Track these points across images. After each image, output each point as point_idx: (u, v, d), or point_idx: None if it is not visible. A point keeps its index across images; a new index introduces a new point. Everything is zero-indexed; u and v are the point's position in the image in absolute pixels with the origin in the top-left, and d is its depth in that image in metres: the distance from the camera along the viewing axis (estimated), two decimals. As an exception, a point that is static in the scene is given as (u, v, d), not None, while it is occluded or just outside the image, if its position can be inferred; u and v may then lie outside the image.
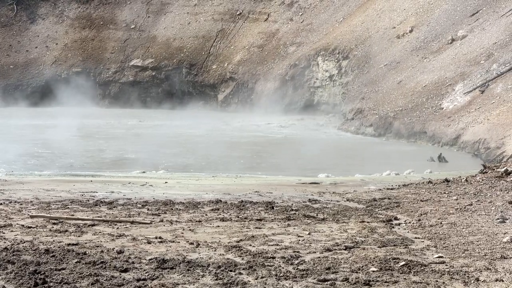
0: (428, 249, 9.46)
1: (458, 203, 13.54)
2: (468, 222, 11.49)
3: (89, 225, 10.81)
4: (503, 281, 7.82)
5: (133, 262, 8.41)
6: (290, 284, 7.69)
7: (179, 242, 9.69)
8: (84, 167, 22.67)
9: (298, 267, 8.36)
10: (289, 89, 42.91)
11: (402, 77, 34.92)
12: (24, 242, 9.35)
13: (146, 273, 7.96)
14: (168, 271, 8.07)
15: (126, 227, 10.77)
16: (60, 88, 49.10)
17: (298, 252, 9.21)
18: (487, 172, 17.99)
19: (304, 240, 10.03)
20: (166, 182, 17.15)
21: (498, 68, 30.48)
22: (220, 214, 12.28)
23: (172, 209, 12.73)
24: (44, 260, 8.37)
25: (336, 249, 9.41)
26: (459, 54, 33.57)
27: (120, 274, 7.91)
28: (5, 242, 9.33)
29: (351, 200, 14.50)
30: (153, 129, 36.69)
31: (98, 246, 9.24)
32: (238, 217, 11.96)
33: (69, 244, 9.28)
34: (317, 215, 12.33)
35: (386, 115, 32.63)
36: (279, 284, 7.67)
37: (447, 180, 17.00)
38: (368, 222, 11.57)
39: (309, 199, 14.39)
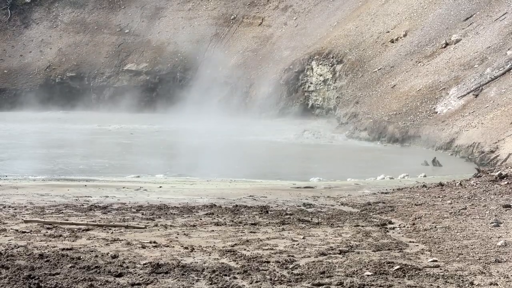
0: (422, 253, 9.47)
1: (452, 207, 13.56)
2: (462, 226, 11.50)
3: (83, 230, 10.78)
4: (497, 285, 7.83)
5: (127, 267, 8.40)
6: (284, 288, 7.69)
7: (173, 247, 9.68)
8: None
9: (293, 272, 8.36)
10: (284, 94, 42.92)
11: (396, 81, 34.97)
12: (18, 247, 9.32)
13: (140, 277, 7.94)
14: (163, 276, 8.06)
15: (121, 232, 10.75)
16: (54, 93, 49.08)
17: (292, 256, 9.21)
18: (481, 176, 18.01)
19: (298, 244, 10.02)
20: (160, 187, 17.14)
21: (492, 72, 30.54)
22: (214, 218, 12.27)
23: (166, 213, 12.71)
24: (38, 265, 8.34)
25: (330, 253, 9.41)
26: (453, 58, 33.63)
27: (115, 279, 7.90)
28: (-1, 247, 9.31)
29: (345, 204, 14.50)
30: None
31: (92, 251, 9.22)
32: (232, 221, 11.95)
33: (63, 249, 9.26)
34: (311, 219, 12.33)
35: (380, 119, 32.66)
36: (274, 289, 7.67)
37: (441, 184, 17.02)
38: (362, 226, 11.58)
39: (304, 203, 14.39)
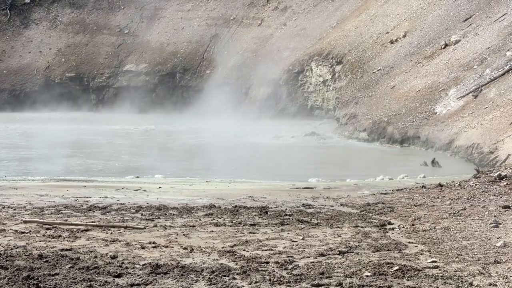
0: (421, 254, 9.47)
1: (451, 208, 13.56)
2: (461, 226, 11.50)
3: (82, 230, 10.78)
4: (496, 285, 7.84)
5: (126, 267, 8.40)
6: (284, 289, 7.69)
7: (172, 247, 9.68)
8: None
9: (292, 272, 8.36)
10: (283, 94, 42.92)
11: (395, 82, 34.97)
12: (17, 248, 9.32)
13: (139, 278, 7.94)
14: (162, 276, 8.06)
15: (120, 232, 10.75)
16: (54, 93, 49.09)
17: (292, 257, 9.21)
18: (480, 177, 18.02)
19: (298, 245, 10.02)
20: (159, 187, 17.13)
21: (491, 73, 30.55)
22: (214, 219, 12.27)
23: (166, 214, 12.71)
24: (37, 265, 8.34)
25: (330, 254, 9.41)
26: (452, 59, 33.64)
27: (114, 279, 7.90)
28: (-2, 248, 9.31)
29: (345, 205, 14.50)
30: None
31: (91, 251, 9.22)
32: (232, 222, 11.95)
33: (62, 250, 9.26)
34: (311, 220, 12.33)
35: (379, 120, 32.66)
36: (273, 289, 7.67)
37: (440, 185, 17.02)
38: (362, 227, 11.58)
39: (303, 204, 14.39)
